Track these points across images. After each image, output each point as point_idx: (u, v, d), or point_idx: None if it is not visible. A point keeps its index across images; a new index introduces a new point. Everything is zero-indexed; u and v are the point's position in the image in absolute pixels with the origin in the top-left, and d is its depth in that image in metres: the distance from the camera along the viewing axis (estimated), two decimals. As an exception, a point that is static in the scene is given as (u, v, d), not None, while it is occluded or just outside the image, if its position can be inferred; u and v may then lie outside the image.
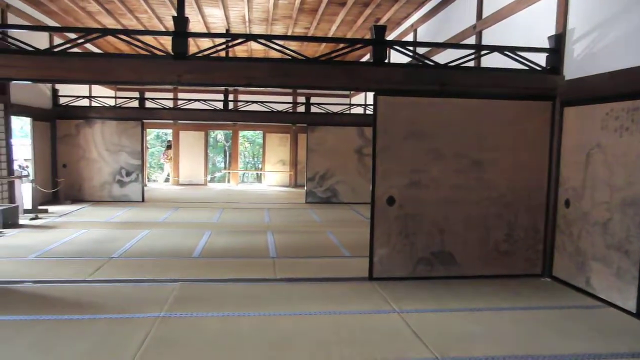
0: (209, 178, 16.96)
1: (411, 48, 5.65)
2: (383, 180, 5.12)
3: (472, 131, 5.23)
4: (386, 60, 5.08)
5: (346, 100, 16.53)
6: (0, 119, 8.82)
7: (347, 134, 11.87)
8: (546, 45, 5.37)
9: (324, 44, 12.77)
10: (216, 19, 10.75)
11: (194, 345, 3.47)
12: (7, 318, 3.94)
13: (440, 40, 8.51)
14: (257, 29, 11.52)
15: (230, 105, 14.08)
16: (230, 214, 10.03)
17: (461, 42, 7.70)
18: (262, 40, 5.11)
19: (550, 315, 4.23)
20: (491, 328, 3.92)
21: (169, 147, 17.04)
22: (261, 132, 17.18)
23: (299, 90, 16.52)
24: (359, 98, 15.56)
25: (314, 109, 12.88)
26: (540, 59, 5.37)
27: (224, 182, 18.26)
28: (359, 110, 13.88)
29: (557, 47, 5.25)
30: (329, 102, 13.47)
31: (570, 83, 5.09)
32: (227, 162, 23.50)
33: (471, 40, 7.47)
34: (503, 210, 5.31)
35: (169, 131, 18.31)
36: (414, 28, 9.94)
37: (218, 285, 4.96)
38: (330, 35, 11.50)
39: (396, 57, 10.15)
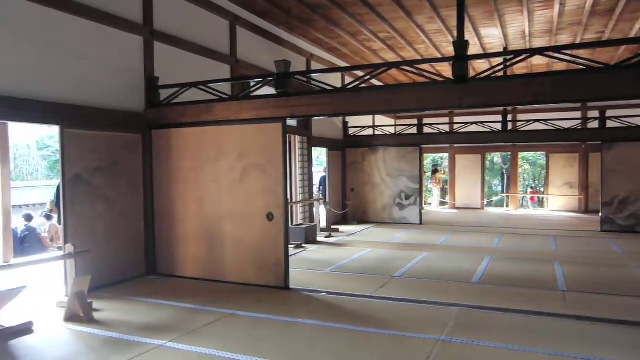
0: (485, 202, 16.47)
1: None
2: None
3: None
4: None
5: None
6: (305, 150, 10.41)
7: (658, 150, 9.89)
8: None
9: (622, 48, 11.07)
10: (493, 39, 10.47)
11: (477, 376, 3.33)
12: (310, 322, 4.53)
13: None
14: (538, 43, 10.74)
15: (509, 126, 13.42)
16: (510, 239, 9.46)
17: None
18: (549, 53, 4.70)
19: None
20: None
21: (434, 171, 17.28)
22: (544, 152, 15.83)
23: (589, 104, 14.67)
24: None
25: (610, 124, 11.20)
26: None
27: (501, 206, 17.43)
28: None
29: None
30: (630, 114, 11.52)
31: None
32: (505, 185, 22.43)
33: None
34: None
35: (445, 155, 18.58)
36: None
37: (499, 315, 4.68)
38: (632, 35, 9.89)
39: None
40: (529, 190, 17.05)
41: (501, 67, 4.96)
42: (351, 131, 12.95)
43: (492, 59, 11.28)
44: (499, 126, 12.22)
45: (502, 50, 11.00)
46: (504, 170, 23.48)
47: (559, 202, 15.29)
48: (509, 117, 14.96)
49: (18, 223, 8.10)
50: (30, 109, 4.98)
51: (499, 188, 23.67)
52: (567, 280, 6.02)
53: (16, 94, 4.86)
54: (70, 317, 4.58)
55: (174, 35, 6.87)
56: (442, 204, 17.29)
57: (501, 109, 12.29)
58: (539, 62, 12.55)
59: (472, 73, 4.88)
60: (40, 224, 8.91)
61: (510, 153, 16.65)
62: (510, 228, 11.21)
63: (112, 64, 5.96)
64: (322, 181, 12.66)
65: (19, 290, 4.39)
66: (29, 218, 8.35)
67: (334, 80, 11.46)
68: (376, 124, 14.36)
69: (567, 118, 12.15)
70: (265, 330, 4.33)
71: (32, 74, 5.05)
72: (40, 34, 5.11)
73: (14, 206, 5.95)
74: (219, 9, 7.76)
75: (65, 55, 5.38)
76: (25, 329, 4.30)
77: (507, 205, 16.52)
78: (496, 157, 23.97)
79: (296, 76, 5.73)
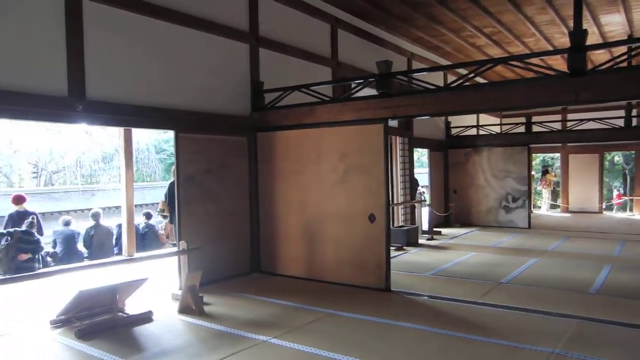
0: (604, 205, 15.10)
1: None
2: None
3: None
4: None
5: None
6: (406, 151, 10.24)
7: None
8: None
9: None
10: (614, 26, 9.59)
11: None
12: (412, 326, 4.44)
13: None
14: (670, 27, 9.67)
15: (634, 122, 12.18)
16: (635, 247, 8.57)
17: None
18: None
19: None
20: None
21: (544, 172, 16.16)
22: (677, 150, 14.18)
23: None
24: None
25: None
26: None
27: (623, 210, 15.88)
28: None
29: None
30: None
31: None
32: (628, 187, 20.41)
33: None
34: None
35: (556, 155, 17.33)
36: None
37: (621, 330, 4.26)
38: None
39: None
40: (615, 193, 15.45)
41: (625, 57, 4.51)
42: (454, 131, 12.53)
43: (613, 49, 10.33)
44: (620, 122, 11.15)
45: (625, 38, 10.03)
46: (627, 171, 21.39)
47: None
48: (633, 112, 13.59)
49: (139, 220, 8.85)
50: (150, 115, 5.42)
51: (621, 190, 21.60)
52: None
53: (137, 102, 5.31)
54: (184, 309, 4.91)
55: (278, 40, 7.10)
56: (553, 207, 16.15)
57: (624, 103, 11.19)
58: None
59: (589, 66, 4.48)
60: (157, 221, 9.67)
61: (634, 152, 15.11)
62: (634, 234, 10.17)
63: (221, 71, 6.30)
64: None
65: (142, 281, 4.80)
66: (148, 216, 9.09)
67: (436, 79, 11.17)
68: (480, 123, 13.77)
69: None
70: (367, 331, 4.31)
71: (151, 83, 5.49)
72: (157, 45, 5.54)
73: (135, 205, 6.52)
74: (321, 12, 7.90)
75: (179, 65, 5.78)
76: (146, 318, 4.68)
77: (631, 210, 15.01)
78: (617, 157, 21.91)
79: (397, 76, 5.65)
